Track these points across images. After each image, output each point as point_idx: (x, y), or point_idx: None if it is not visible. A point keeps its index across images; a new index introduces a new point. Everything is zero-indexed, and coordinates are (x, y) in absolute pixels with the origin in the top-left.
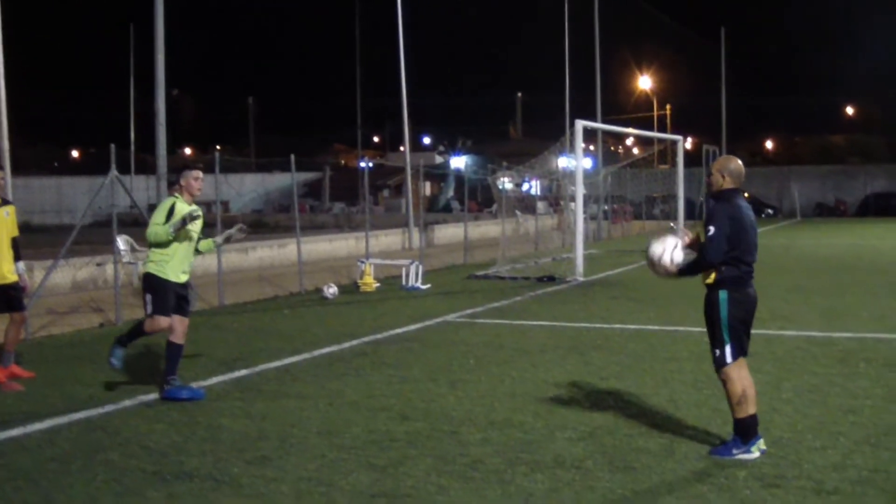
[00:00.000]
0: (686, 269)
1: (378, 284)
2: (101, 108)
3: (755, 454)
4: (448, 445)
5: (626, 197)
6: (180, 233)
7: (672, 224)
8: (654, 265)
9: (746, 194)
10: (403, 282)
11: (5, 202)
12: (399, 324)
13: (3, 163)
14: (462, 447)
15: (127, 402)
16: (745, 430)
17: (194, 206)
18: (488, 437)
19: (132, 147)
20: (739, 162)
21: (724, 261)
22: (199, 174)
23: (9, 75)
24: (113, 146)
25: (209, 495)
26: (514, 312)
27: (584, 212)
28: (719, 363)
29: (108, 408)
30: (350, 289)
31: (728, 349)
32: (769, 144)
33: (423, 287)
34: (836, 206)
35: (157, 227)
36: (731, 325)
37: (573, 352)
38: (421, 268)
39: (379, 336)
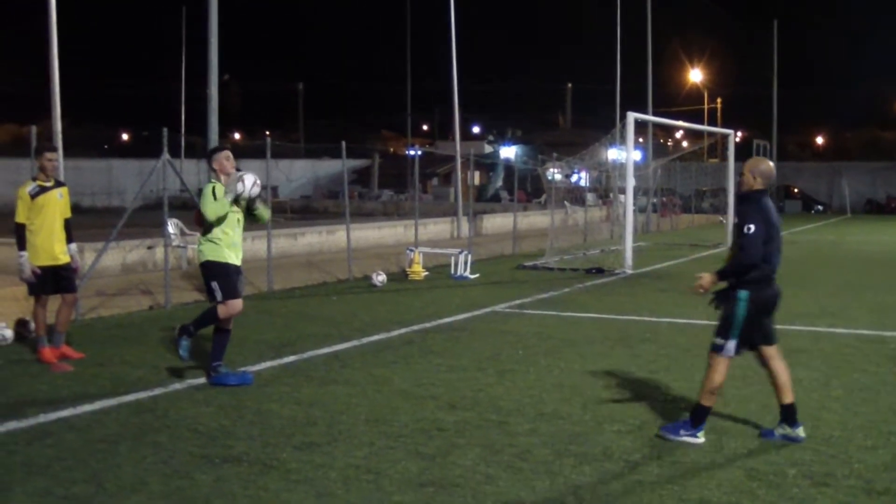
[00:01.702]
0: (727, 273)
1: (426, 273)
2: (152, 90)
3: (701, 440)
4: (496, 435)
5: (676, 190)
6: (229, 215)
7: (721, 219)
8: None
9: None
10: (452, 271)
11: (58, 184)
12: (447, 313)
13: (55, 143)
14: (510, 437)
15: (176, 385)
16: (701, 417)
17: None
18: (536, 428)
19: (182, 130)
20: (770, 163)
21: None
22: (228, 153)
23: (60, 56)
24: (165, 130)
25: (257, 479)
26: (563, 303)
27: (633, 204)
28: (717, 351)
29: (157, 390)
30: (398, 276)
31: (732, 344)
32: (819, 139)
33: (472, 276)
34: (886, 203)
35: (209, 208)
36: (743, 324)
37: (621, 344)
38: (469, 257)
39: (427, 324)
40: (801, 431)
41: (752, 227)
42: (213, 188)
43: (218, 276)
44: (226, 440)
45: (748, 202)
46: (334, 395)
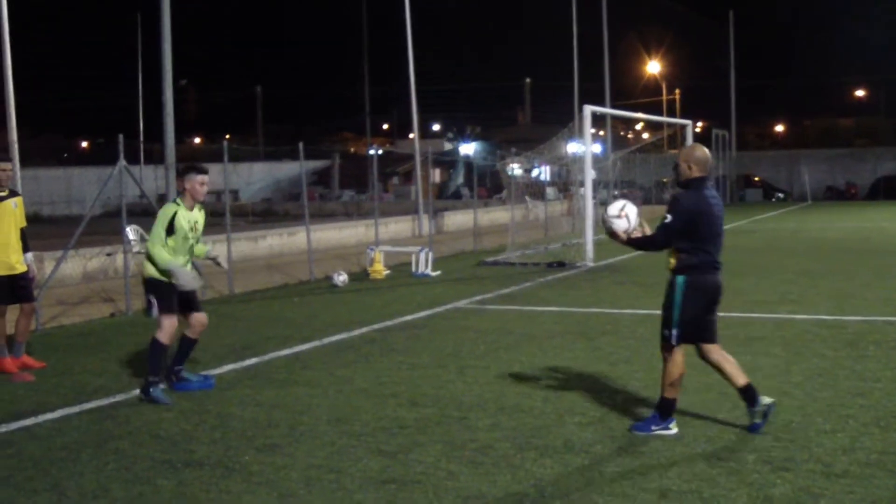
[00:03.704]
0: (635, 242)
1: (388, 271)
2: (109, 98)
3: (674, 430)
4: (457, 431)
5: (636, 182)
6: (179, 240)
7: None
8: (606, 223)
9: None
10: (413, 269)
11: (13, 193)
12: (408, 311)
13: (11, 154)
14: (471, 433)
15: (137, 392)
16: (668, 409)
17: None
18: (498, 423)
19: (141, 137)
20: (706, 150)
21: (684, 249)
22: (206, 178)
23: (16, 66)
24: (121, 136)
25: (219, 483)
26: (524, 298)
27: (594, 197)
28: (665, 342)
29: (118, 397)
30: (360, 276)
31: (675, 332)
32: (778, 128)
33: (433, 274)
34: (846, 190)
35: (156, 249)
36: (683, 310)
37: (582, 337)
38: (431, 255)
39: (388, 323)
40: (766, 399)
41: (670, 218)
42: (174, 215)
43: (157, 290)
44: (187, 445)
45: (685, 192)
46: (296, 396)
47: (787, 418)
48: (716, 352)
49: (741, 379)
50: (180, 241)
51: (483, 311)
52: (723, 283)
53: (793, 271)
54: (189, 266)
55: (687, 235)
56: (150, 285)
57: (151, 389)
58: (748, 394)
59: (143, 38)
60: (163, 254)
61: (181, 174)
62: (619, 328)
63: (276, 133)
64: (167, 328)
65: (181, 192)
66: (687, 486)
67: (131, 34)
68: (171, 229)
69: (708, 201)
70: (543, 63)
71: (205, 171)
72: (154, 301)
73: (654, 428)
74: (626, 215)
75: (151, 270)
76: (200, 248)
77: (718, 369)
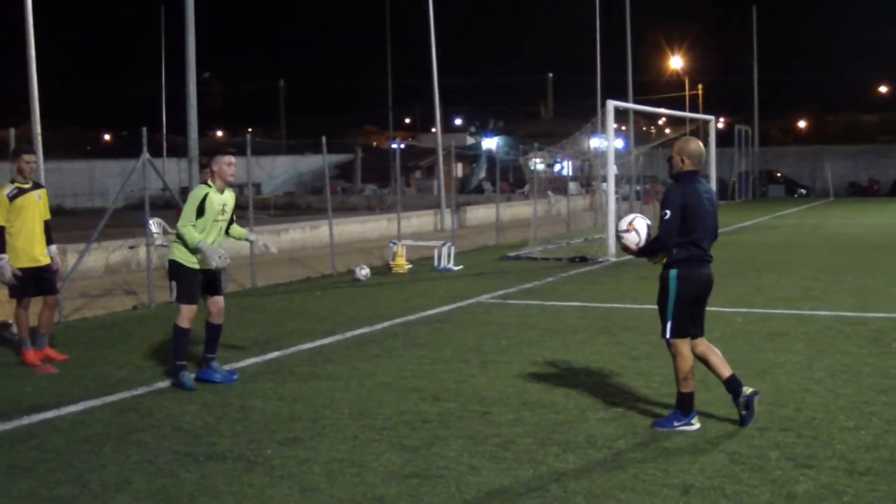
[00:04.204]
0: (645, 249)
1: (410, 266)
2: (133, 90)
3: (696, 426)
4: (480, 426)
5: (658, 177)
6: (209, 223)
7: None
8: (619, 239)
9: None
10: (435, 263)
11: (37, 185)
12: (431, 305)
13: (35, 146)
14: (494, 428)
15: (159, 384)
16: (686, 404)
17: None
18: (520, 418)
19: (164, 129)
20: (700, 144)
21: (676, 243)
22: (232, 159)
23: (39, 59)
24: (145, 129)
25: (241, 476)
26: (546, 293)
27: (616, 192)
28: (665, 338)
29: (141, 390)
30: (382, 270)
31: (670, 325)
32: (801, 123)
33: (455, 268)
34: (868, 186)
35: (188, 230)
36: (676, 304)
37: (604, 332)
38: (453, 249)
39: (411, 317)
40: (748, 389)
41: (668, 213)
42: (205, 197)
43: (178, 276)
44: (210, 438)
45: (677, 185)
46: (318, 389)
47: (809, 415)
48: (701, 344)
49: (725, 371)
50: (210, 222)
51: (505, 305)
52: (713, 277)
53: (815, 267)
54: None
55: (680, 229)
56: (173, 270)
57: (179, 375)
58: (732, 385)
59: (167, 31)
60: (193, 233)
61: (210, 159)
62: (640, 324)
63: (298, 126)
64: (185, 313)
65: (211, 175)
66: (709, 482)
67: (155, 26)
68: (201, 211)
69: (699, 194)
70: (566, 57)
71: (231, 153)
72: (174, 286)
73: (676, 424)
74: (634, 229)
75: (177, 253)
76: (238, 230)
77: (704, 361)
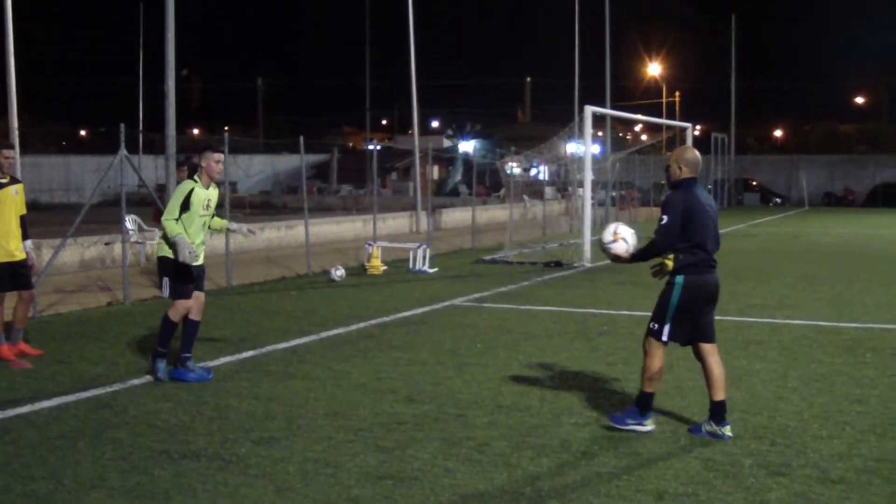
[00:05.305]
0: (639, 255)
1: (385, 267)
2: (110, 87)
3: (649, 427)
4: (455, 428)
5: (635, 183)
6: (194, 217)
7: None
8: (606, 251)
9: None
10: (411, 265)
11: (14, 180)
12: (406, 307)
13: (12, 141)
14: (469, 430)
15: (135, 381)
16: (646, 404)
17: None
18: (495, 421)
19: (140, 126)
20: (696, 152)
21: (681, 248)
22: (221, 156)
23: (18, 54)
24: (122, 126)
25: (216, 475)
26: (522, 297)
27: (592, 197)
28: (652, 335)
29: (116, 386)
30: (357, 271)
31: (667, 329)
32: (778, 132)
33: (431, 270)
34: (844, 196)
35: (171, 223)
36: (677, 310)
37: (580, 337)
38: (428, 251)
39: (386, 318)
40: (727, 430)
41: (666, 218)
42: (191, 191)
43: (170, 273)
44: (185, 436)
45: (676, 191)
46: (293, 389)
47: (783, 423)
48: (713, 356)
49: (720, 393)
50: (195, 217)
51: (481, 308)
52: (719, 282)
53: (791, 276)
54: (202, 246)
55: (682, 235)
56: (163, 266)
57: (157, 361)
58: (718, 409)
59: (146, 28)
60: (173, 225)
61: (199, 154)
62: (616, 329)
63: (276, 125)
64: (179, 309)
65: (200, 170)
66: (683, 488)
67: (134, 23)
68: (186, 205)
69: (699, 200)
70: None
71: (220, 150)
72: (166, 283)
73: (629, 422)
74: (621, 237)
75: (166, 250)
76: (219, 222)
77: (707, 373)
